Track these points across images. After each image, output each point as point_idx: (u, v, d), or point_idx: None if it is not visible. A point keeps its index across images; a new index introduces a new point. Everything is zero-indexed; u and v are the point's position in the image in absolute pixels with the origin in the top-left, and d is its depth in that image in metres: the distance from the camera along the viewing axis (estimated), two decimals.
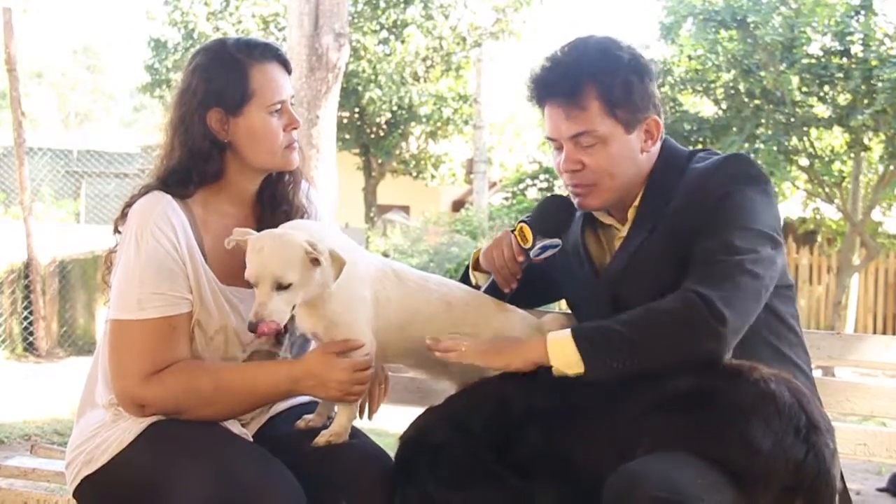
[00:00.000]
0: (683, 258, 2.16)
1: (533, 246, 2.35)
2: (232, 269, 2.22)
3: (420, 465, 2.13)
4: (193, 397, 2.19)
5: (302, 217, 2.45)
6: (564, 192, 2.44)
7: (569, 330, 2.11)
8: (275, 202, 2.43)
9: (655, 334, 2.06)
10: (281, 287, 2.06)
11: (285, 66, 2.39)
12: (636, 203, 2.33)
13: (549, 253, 2.37)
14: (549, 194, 2.58)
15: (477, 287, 2.50)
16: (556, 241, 2.37)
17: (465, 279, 2.59)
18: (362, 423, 2.33)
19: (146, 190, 2.31)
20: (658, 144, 2.35)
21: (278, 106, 2.34)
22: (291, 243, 2.07)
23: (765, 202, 2.21)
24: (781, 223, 2.28)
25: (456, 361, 2.19)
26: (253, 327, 2.05)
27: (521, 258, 2.38)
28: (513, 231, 2.40)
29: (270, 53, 2.36)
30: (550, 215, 2.40)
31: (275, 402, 2.27)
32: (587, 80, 2.24)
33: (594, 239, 2.47)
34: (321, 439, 2.21)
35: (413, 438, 2.19)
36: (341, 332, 2.21)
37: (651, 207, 2.29)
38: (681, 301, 2.06)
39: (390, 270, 2.33)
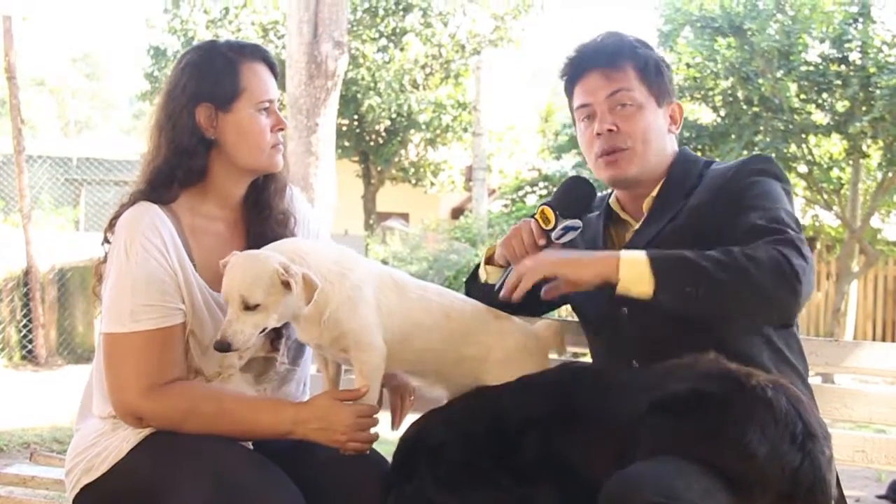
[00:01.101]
0: (706, 246, 2.17)
1: (555, 227, 2.35)
2: (222, 277, 2.22)
3: (419, 466, 2.13)
4: (193, 420, 2.18)
5: (286, 223, 2.46)
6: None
7: (644, 251, 2.10)
8: (259, 207, 2.44)
9: (738, 278, 2.02)
10: (248, 307, 2.05)
11: (272, 68, 2.42)
12: (654, 193, 2.39)
13: (570, 235, 2.38)
14: (569, 176, 2.61)
15: (486, 285, 2.50)
16: (577, 222, 2.38)
17: (474, 276, 2.59)
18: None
19: (133, 199, 2.31)
20: (676, 140, 2.47)
21: (266, 104, 2.36)
22: (263, 264, 2.06)
23: (787, 197, 2.28)
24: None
25: (531, 278, 2.16)
26: (219, 346, 2.05)
27: (542, 241, 2.37)
28: (533, 216, 2.40)
29: (259, 54, 2.40)
30: (572, 194, 2.42)
31: (273, 438, 2.25)
32: (625, 53, 2.40)
33: (608, 238, 2.52)
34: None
35: (413, 439, 2.19)
36: (350, 340, 2.21)
37: (668, 199, 2.36)
38: (765, 251, 2.04)
39: (390, 279, 2.32)
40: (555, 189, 2.46)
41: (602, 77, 2.39)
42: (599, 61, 2.40)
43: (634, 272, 2.08)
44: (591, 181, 2.44)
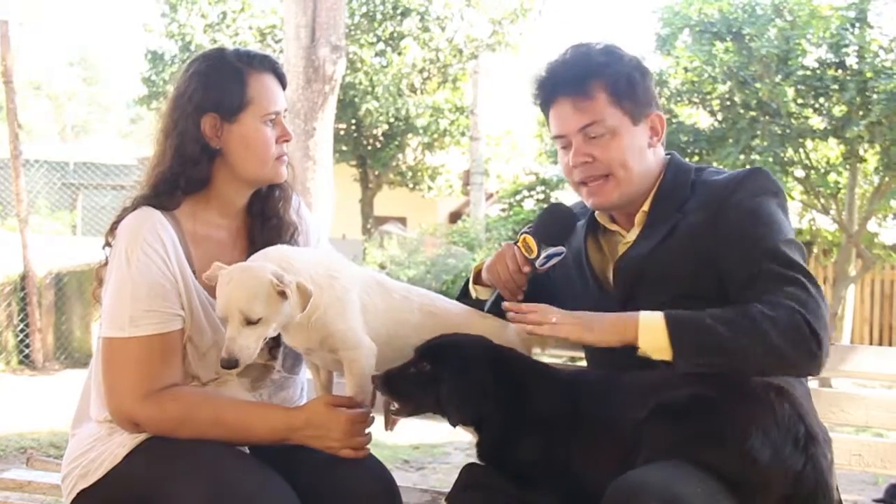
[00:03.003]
0: (703, 267, 2.18)
1: (538, 256, 2.34)
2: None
3: (439, 361, 2.16)
4: (189, 427, 2.18)
5: (292, 233, 2.46)
6: (563, 201, 2.45)
7: (662, 315, 2.07)
8: (264, 216, 2.44)
9: (752, 339, 2.00)
10: (250, 322, 2.05)
11: (281, 79, 2.41)
12: (644, 208, 2.34)
13: (553, 262, 2.36)
14: (549, 202, 2.58)
15: (478, 301, 2.50)
16: (561, 248, 2.36)
17: (464, 293, 2.59)
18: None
19: (135, 203, 2.30)
20: (661, 148, 2.39)
21: (273, 116, 2.35)
22: (257, 277, 2.05)
23: (786, 216, 2.24)
24: None
25: (548, 335, 2.15)
26: (226, 363, 2.04)
27: (526, 269, 2.37)
28: (515, 243, 2.40)
29: (268, 64, 2.37)
30: (553, 223, 2.39)
31: (269, 445, 2.24)
32: (592, 74, 2.29)
33: (595, 247, 2.48)
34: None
35: (448, 343, 2.21)
36: (337, 340, 2.21)
37: (662, 214, 2.30)
38: (787, 313, 2.01)
39: (374, 281, 2.34)
40: (543, 206, 2.43)
41: (572, 107, 2.30)
42: (567, 88, 2.31)
43: (653, 340, 2.06)
44: (571, 208, 2.42)
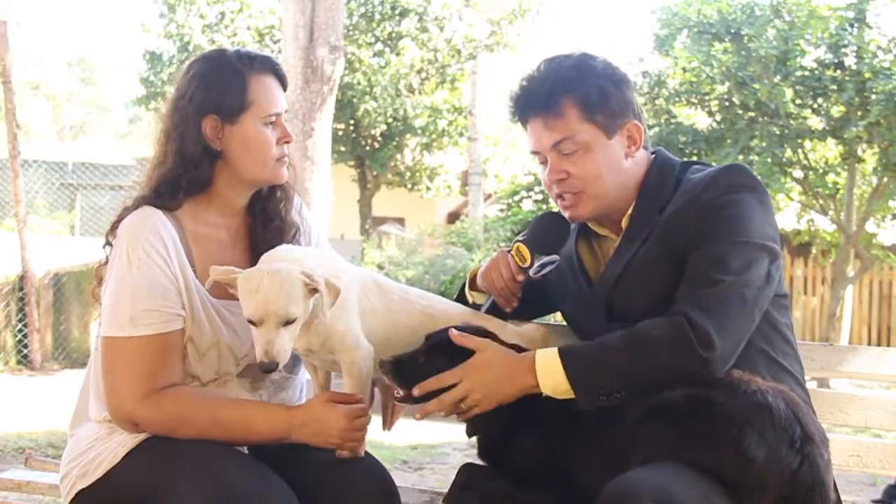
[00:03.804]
0: (678, 266, 2.16)
1: (531, 264, 2.35)
2: (223, 284, 2.21)
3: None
4: (188, 427, 2.18)
5: (294, 234, 2.46)
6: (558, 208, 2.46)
7: (557, 356, 2.09)
8: (266, 216, 2.44)
9: (645, 363, 2.05)
10: (287, 323, 2.06)
11: (281, 80, 2.41)
12: (629, 212, 2.33)
13: (547, 270, 2.37)
14: (542, 211, 2.57)
15: (474, 306, 2.50)
16: (554, 256, 2.38)
17: (460, 298, 2.59)
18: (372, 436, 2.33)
19: (136, 203, 2.30)
20: (643, 152, 2.36)
21: (273, 118, 2.35)
22: (290, 278, 2.06)
23: (762, 211, 2.19)
24: (778, 233, 2.27)
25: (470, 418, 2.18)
26: (267, 367, 2.05)
27: (520, 277, 2.38)
28: (509, 251, 2.40)
29: (269, 66, 2.37)
30: (546, 232, 2.40)
31: (269, 444, 2.25)
32: (562, 90, 2.27)
33: (589, 251, 2.47)
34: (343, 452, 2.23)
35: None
36: (337, 342, 2.22)
37: (644, 216, 2.29)
38: (671, 327, 2.04)
39: (372, 282, 2.35)
40: (542, 207, 2.44)
41: (543, 126, 2.29)
42: (537, 108, 2.30)
43: (554, 384, 2.09)
44: (563, 215, 2.42)
